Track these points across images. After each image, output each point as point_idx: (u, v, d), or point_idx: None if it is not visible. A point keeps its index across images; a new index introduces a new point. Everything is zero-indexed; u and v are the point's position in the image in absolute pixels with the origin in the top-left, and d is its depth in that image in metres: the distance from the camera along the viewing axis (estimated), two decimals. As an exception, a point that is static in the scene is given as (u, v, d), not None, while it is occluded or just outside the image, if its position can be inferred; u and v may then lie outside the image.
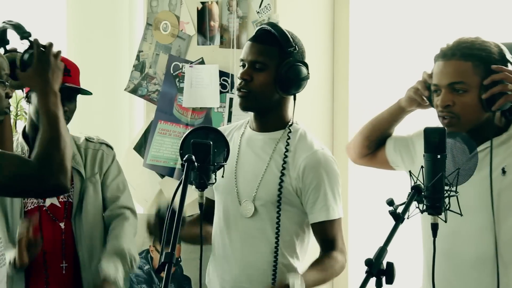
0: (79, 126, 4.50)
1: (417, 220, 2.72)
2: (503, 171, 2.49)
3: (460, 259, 2.56)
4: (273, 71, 2.67)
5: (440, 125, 2.53)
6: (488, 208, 2.50)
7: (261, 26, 2.75)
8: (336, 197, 2.77)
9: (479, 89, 2.48)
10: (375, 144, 2.86)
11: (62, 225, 3.09)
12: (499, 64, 2.48)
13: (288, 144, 2.72)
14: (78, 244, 3.09)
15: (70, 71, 3.17)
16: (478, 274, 2.53)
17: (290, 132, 2.74)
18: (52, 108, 2.45)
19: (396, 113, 2.78)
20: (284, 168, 2.71)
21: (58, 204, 3.09)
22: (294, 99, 2.73)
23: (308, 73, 2.72)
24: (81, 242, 3.09)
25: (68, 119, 3.14)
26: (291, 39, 2.68)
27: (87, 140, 3.29)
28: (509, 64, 2.51)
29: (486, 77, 2.48)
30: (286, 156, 2.71)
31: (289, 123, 2.78)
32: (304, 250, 2.84)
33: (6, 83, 2.51)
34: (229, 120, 3.84)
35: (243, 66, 2.72)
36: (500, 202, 2.50)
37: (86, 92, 3.25)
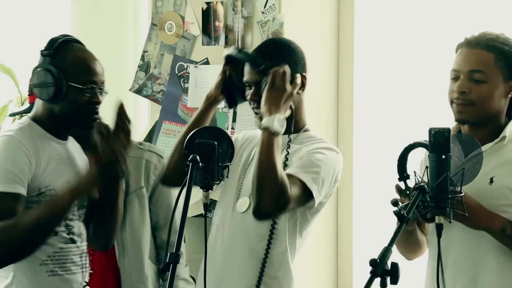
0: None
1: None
2: (491, 181, 2.49)
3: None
4: None
5: (445, 125, 2.53)
6: None
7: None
8: (321, 182, 2.65)
9: (498, 83, 2.49)
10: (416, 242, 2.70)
11: None
12: None
13: (290, 140, 2.69)
14: (121, 261, 2.91)
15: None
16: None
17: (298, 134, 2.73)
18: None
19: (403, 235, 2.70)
20: (286, 160, 2.67)
21: None
22: None
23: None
24: (124, 259, 2.92)
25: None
26: None
27: (137, 146, 2.98)
28: None
29: (506, 72, 2.49)
30: (288, 146, 2.68)
31: (303, 129, 2.76)
32: (298, 244, 2.77)
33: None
34: (234, 120, 3.84)
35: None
36: None
37: None
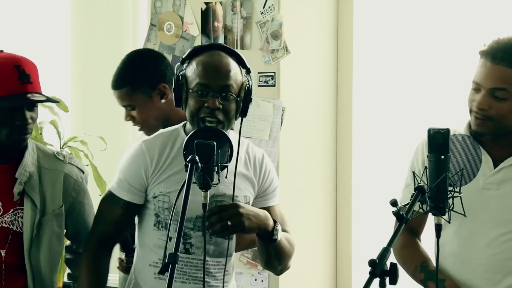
0: (82, 127, 4.52)
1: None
2: None
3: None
4: None
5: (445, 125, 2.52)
6: (504, 226, 2.49)
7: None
8: None
9: None
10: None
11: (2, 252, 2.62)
12: None
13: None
14: (30, 278, 2.65)
15: (30, 76, 2.61)
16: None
17: None
18: None
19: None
20: None
21: None
22: None
23: None
24: (35, 277, 2.66)
25: (30, 131, 2.63)
26: None
27: (56, 157, 2.72)
28: None
29: None
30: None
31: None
32: None
33: None
34: (233, 120, 3.84)
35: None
36: None
37: (52, 100, 2.71)
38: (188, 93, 2.55)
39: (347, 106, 4.08)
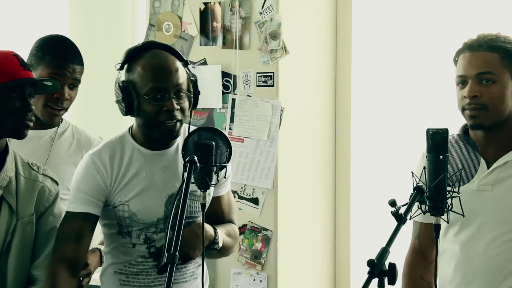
0: (82, 127, 4.51)
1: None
2: None
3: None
4: None
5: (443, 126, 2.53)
6: (502, 226, 2.49)
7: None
8: None
9: (507, 82, 2.48)
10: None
11: None
12: None
13: None
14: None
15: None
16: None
17: None
18: None
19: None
20: None
21: None
22: None
23: None
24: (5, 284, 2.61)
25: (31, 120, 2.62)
26: None
27: (30, 167, 2.68)
28: None
29: None
30: None
31: None
32: None
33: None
34: (232, 120, 3.85)
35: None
36: None
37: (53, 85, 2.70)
38: (140, 99, 2.54)
39: (345, 106, 4.08)
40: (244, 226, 3.82)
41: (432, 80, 3.88)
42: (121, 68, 2.60)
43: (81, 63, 3.04)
